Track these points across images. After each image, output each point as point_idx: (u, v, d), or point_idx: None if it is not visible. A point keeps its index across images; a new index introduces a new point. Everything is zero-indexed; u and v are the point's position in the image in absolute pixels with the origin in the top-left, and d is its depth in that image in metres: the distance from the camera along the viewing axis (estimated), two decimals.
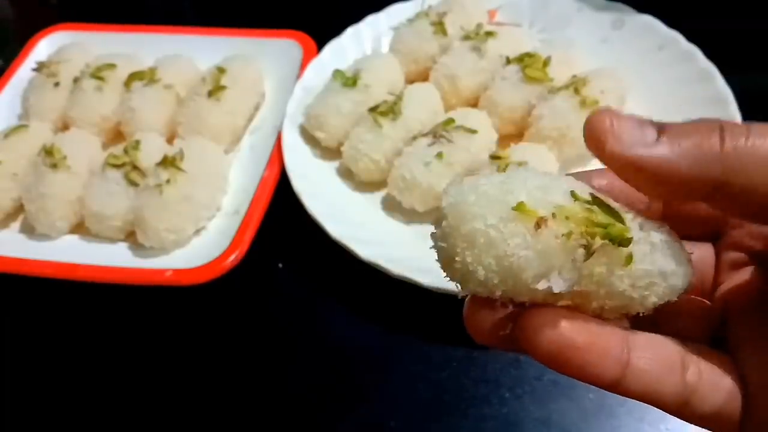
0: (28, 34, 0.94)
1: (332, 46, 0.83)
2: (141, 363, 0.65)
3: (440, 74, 0.76)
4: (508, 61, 0.74)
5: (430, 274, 0.59)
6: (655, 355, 0.26)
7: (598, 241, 0.25)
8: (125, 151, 0.72)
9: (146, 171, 0.71)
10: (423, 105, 0.73)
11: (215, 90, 0.76)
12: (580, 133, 0.73)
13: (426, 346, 0.62)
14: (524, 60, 0.72)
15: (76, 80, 0.82)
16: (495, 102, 0.72)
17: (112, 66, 0.82)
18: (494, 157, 0.65)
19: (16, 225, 0.75)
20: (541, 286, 0.25)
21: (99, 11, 1.08)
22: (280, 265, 0.71)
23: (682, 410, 0.26)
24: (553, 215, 0.25)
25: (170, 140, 0.78)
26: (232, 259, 0.65)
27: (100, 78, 0.81)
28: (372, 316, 0.65)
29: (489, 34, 0.77)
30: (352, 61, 0.80)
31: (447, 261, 0.26)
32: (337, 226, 0.65)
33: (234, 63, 0.81)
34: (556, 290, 0.25)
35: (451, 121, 0.68)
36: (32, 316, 0.71)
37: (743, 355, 0.27)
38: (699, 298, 0.31)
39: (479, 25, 0.78)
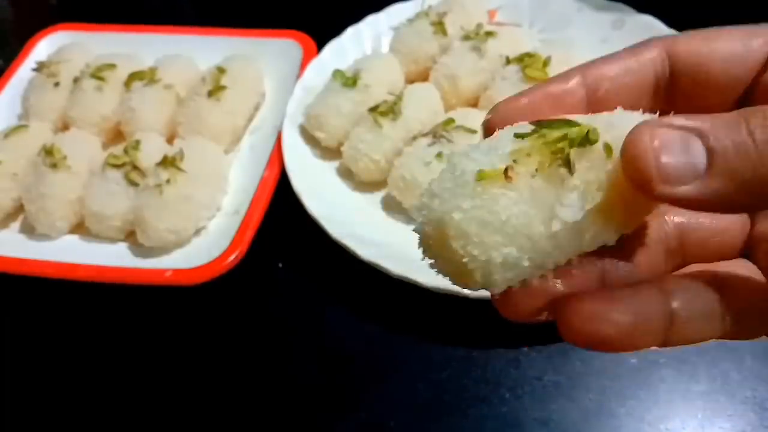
0: (28, 34, 0.94)
1: (332, 46, 0.83)
2: (141, 363, 0.65)
3: (440, 74, 0.76)
4: (508, 61, 0.74)
5: (430, 274, 0.58)
6: (693, 310, 0.26)
7: (571, 152, 0.23)
8: (125, 151, 0.72)
9: (146, 171, 0.71)
10: (423, 105, 0.73)
11: (215, 90, 0.76)
12: None
13: (426, 346, 0.62)
14: (524, 60, 0.72)
15: (76, 80, 0.82)
16: (495, 102, 0.72)
17: (112, 66, 0.82)
18: None
19: (16, 225, 0.75)
20: (556, 226, 0.23)
21: (99, 11, 1.08)
22: (280, 265, 0.71)
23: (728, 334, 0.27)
24: (515, 161, 0.23)
25: (170, 140, 0.78)
26: (232, 259, 0.65)
27: (100, 78, 0.81)
28: (372, 316, 0.65)
29: (489, 34, 0.77)
30: (352, 61, 0.80)
31: (458, 273, 0.24)
32: (337, 226, 0.65)
33: (234, 63, 0.81)
34: (571, 220, 0.23)
35: (451, 121, 0.68)
36: (32, 316, 0.71)
37: None
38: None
39: (479, 25, 0.78)
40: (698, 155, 0.22)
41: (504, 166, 0.23)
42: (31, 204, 0.71)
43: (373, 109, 0.71)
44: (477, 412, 0.57)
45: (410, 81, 0.79)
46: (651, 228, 0.28)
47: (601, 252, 0.26)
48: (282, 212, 0.71)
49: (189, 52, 0.86)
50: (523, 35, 0.81)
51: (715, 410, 0.55)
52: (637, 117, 0.26)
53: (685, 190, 0.22)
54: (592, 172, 0.24)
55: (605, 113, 0.26)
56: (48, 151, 0.72)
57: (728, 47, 0.28)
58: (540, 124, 0.24)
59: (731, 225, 0.29)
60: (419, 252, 0.26)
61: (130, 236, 0.71)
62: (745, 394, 0.56)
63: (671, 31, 0.75)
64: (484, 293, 0.25)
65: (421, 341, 0.62)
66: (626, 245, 0.28)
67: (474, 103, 0.76)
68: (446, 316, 0.62)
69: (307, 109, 0.76)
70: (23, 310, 0.71)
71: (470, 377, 0.59)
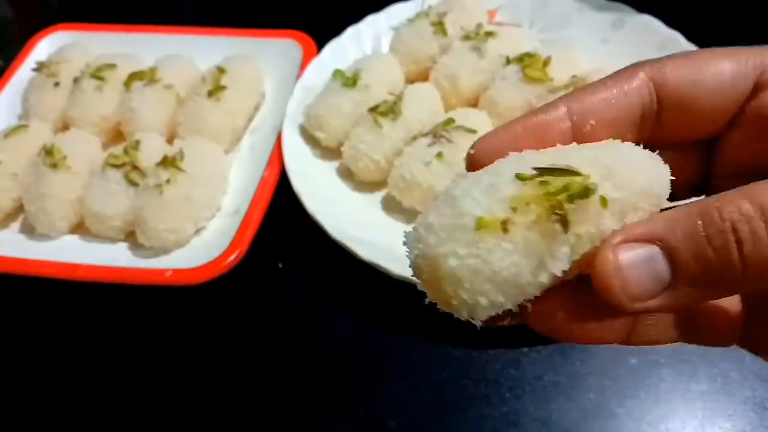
0: (28, 34, 0.94)
1: (332, 46, 0.83)
2: (141, 363, 0.65)
3: (440, 74, 0.76)
4: (508, 61, 0.74)
5: None
6: (655, 319, 0.27)
7: (568, 207, 0.24)
8: (125, 151, 0.72)
9: (146, 171, 0.71)
10: (423, 105, 0.73)
11: (215, 90, 0.76)
12: None
13: (426, 346, 0.62)
14: (524, 60, 0.72)
15: (76, 80, 0.82)
16: (495, 102, 0.72)
17: (112, 66, 0.82)
18: None
19: (16, 225, 0.75)
20: (544, 277, 0.24)
21: (99, 11, 1.08)
22: (280, 265, 0.71)
23: (684, 336, 0.28)
24: (514, 209, 0.24)
25: (170, 140, 0.78)
26: (232, 259, 0.64)
27: (100, 78, 0.81)
28: (372, 316, 0.65)
29: (489, 34, 0.77)
30: (352, 61, 0.80)
31: (448, 306, 0.25)
32: (337, 226, 0.65)
33: (234, 63, 0.81)
34: (558, 273, 0.24)
35: (451, 121, 0.68)
36: (32, 316, 0.71)
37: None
38: None
39: (479, 25, 0.78)
40: (662, 270, 0.24)
41: (502, 218, 0.24)
42: (31, 204, 0.71)
43: (373, 109, 0.71)
44: (477, 412, 0.57)
45: (410, 81, 0.79)
46: None
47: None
48: (282, 212, 0.71)
49: (189, 52, 0.86)
50: (523, 35, 0.81)
51: (715, 410, 0.55)
52: (633, 155, 0.26)
53: (653, 303, 0.24)
54: (585, 226, 0.24)
55: (602, 147, 0.27)
56: (48, 151, 0.72)
57: (716, 76, 0.28)
58: (542, 170, 0.24)
59: None
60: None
61: (130, 236, 0.71)
62: (745, 394, 0.56)
63: (671, 31, 0.75)
64: None
65: (421, 341, 0.62)
66: None
67: (474, 103, 0.76)
68: (446, 316, 0.62)
69: (307, 109, 0.76)
70: (23, 310, 0.71)
71: (470, 377, 0.59)
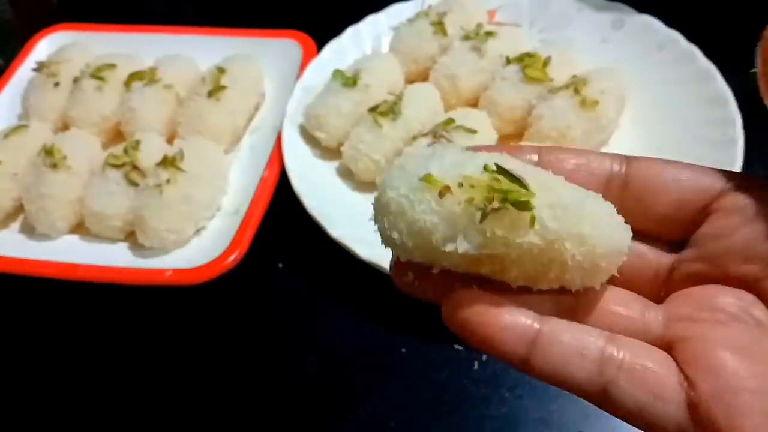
0: (28, 34, 0.94)
1: (332, 46, 0.83)
2: (141, 363, 0.65)
3: (440, 74, 0.76)
4: (508, 61, 0.74)
5: None
6: (567, 338, 0.27)
7: (494, 204, 0.26)
8: (125, 151, 0.72)
9: (146, 171, 0.71)
10: (423, 105, 0.73)
11: (215, 90, 0.76)
12: (580, 133, 0.73)
13: (426, 346, 0.62)
14: (524, 60, 0.72)
15: (76, 80, 0.82)
16: (495, 102, 0.72)
17: (112, 66, 0.82)
18: None
19: (16, 225, 0.75)
20: (449, 248, 0.27)
21: (99, 11, 1.08)
22: (280, 265, 0.71)
23: (602, 402, 0.27)
24: (460, 184, 0.27)
25: (170, 140, 0.78)
26: (232, 259, 0.64)
27: (100, 78, 0.81)
28: (372, 316, 0.65)
29: (489, 34, 0.77)
30: (352, 61, 0.80)
31: (378, 228, 0.29)
32: (337, 226, 0.65)
33: (234, 63, 0.81)
34: (461, 251, 0.27)
35: (451, 121, 0.68)
36: (32, 316, 0.71)
37: (688, 356, 0.26)
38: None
39: (479, 25, 0.78)
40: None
41: (445, 185, 0.27)
42: (31, 204, 0.71)
43: (373, 109, 0.71)
44: (477, 412, 0.57)
45: (410, 81, 0.79)
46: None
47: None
48: (282, 212, 0.71)
49: (189, 52, 0.86)
50: (523, 35, 0.81)
51: None
52: (593, 204, 0.28)
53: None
54: (503, 231, 0.26)
55: (571, 186, 0.28)
56: (48, 151, 0.72)
57: (676, 183, 0.30)
58: (503, 170, 0.27)
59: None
60: None
61: (130, 236, 0.71)
62: None
63: (671, 31, 0.75)
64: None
65: (421, 341, 0.62)
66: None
67: (474, 103, 0.76)
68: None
69: (307, 109, 0.76)
70: (23, 310, 0.71)
71: (470, 377, 0.59)
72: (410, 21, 0.82)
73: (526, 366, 0.27)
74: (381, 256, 0.61)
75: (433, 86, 0.75)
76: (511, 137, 0.72)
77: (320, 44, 0.83)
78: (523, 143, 0.34)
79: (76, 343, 0.68)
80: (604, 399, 0.26)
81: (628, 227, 0.28)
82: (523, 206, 0.26)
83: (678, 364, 0.26)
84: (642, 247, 0.31)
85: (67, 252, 0.70)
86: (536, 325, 0.27)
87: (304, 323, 0.67)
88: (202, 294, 0.65)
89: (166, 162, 0.69)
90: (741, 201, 0.28)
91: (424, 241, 0.27)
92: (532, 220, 0.26)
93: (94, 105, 0.80)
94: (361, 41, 0.85)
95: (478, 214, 0.26)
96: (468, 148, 0.30)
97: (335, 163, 0.76)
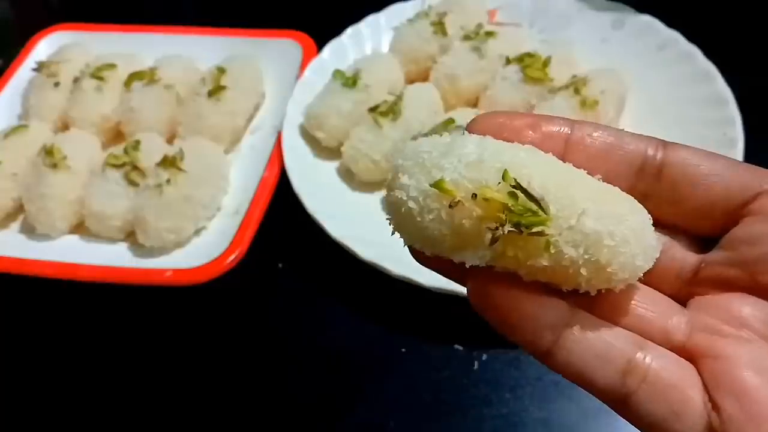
0: (28, 34, 0.94)
1: (332, 46, 0.83)
2: (141, 363, 0.65)
3: (440, 74, 0.76)
4: (508, 61, 0.74)
5: (431, 275, 0.58)
6: (594, 339, 0.26)
7: (505, 228, 0.24)
8: (125, 151, 0.72)
9: (146, 171, 0.71)
10: (423, 105, 0.73)
11: (215, 90, 0.76)
12: None
13: (426, 346, 0.62)
14: (524, 60, 0.72)
15: (76, 80, 0.82)
16: (495, 102, 0.72)
17: (112, 66, 0.82)
18: None
19: (16, 225, 0.75)
20: (457, 258, 0.26)
21: (99, 11, 1.08)
22: (280, 265, 0.71)
23: (620, 409, 0.26)
24: (474, 196, 0.25)
25: (170, 140, 0.78)
26: (232, 259, 0.65)
27: (100, 78, 0.81)
28: (372, 316, 0.65)
29: (489, 34, 0.77)
30: (352, 61, 0.80)
31: (388, 221, 0.28)
32: (337, 226, 0.65)
33: (234, 63, 0.81)
34: (468, 265, 0.25)
35: (451, 121, 0.68)
36: (32, 316, 0.71)
37: (714, 376, 0.25)
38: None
39: (479, 25, 0.78)
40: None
41: (457, 195, 0.25)
42: (31, 204, 0.71)
43: (373, 109, 0.71)
44: (477, 412, 0.57)
45: (410, 81, 0.79)
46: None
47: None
48: (282, 212, 0.71)
49: (189, 52, 0.86)
50: (523, 35, 0.81)
51: None
52: (615, 221, 0.25)
53: None
54: (516, 251, 0.25)
55: (605, 192, 0.26)
56: (48, 151, 0.72)
57: (714, 177, 0.28)
58: (521, 188, 0.25)
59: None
60: None
61: (130, 236, 0.71)
62: None
63: (671, 31, 0.75)
64: None
65: (421, 341, 0.62)
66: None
67: (474, 103, 0.76)
68: (446, 316, 0.62)
69: (307, 109, 0.76)
70: (23, 310, 0.71)
71: (470, 377, 0.59)
72: (410, 21, 0.82)
73: (548, 359, 0.26)
74: (381, 256, 0.61)
75: (433, 86, 0.75)
76: None
77: (320, 44, 0.83)
78: (556, 115, 0.30)
79: (76, 343, 0.68)
80: (623, 407, 0.26)
81: (658, 244, 0.26)
82: (537, 234, 0.24)
83: (703, 382, 0.25)
84: (668, 242, 0.29)
85: (67, 252, 0.70)
86: (565, 319, 0.26)
87: (304, 323, 0.67)
88: (202, 294, 0.65)
89: (166, 162, 0.69)
90: None
91: (432, 246, 0.26)
92: (547, 245, 0.25)
93: (94, 105, 0.80)
94: (361, 41, 0.85)
95: (489, 236, 0.25)
96: (485, 115, 0.28)
97: (335, 163, 0.76)
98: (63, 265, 0.68)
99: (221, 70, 0.79)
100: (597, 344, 0.26)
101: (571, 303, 0.27)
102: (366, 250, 0.62)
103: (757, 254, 0.27)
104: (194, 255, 0.67)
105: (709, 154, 0.28)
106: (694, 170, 0.28)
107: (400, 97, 0.72)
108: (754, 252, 0.27)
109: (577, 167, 0.26)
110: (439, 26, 0.80)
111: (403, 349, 0.62)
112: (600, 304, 0.28)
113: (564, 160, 0.27)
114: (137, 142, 0.72)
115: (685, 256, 0.29)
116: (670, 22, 0.75)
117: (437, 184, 0.25)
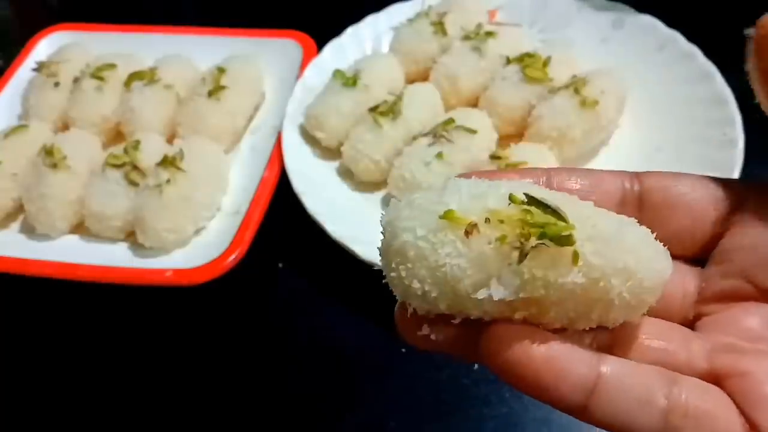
0: (28, 34, 0.94)
1: (332, 46, 0.83)
2: (141, 363, 0.65)
3: (440, 74, 0.76)
4: (508, 61, 0.74)
5: None
6: (631, 383, 0.24)
7: (531, 242, 0.23)
8: (125, 151, 0.72)
9: (146, 171, 0.71)
10: (423, 105, 0.73)
11: (215, 90, 0.76)
12: (580, 133, 0.73)
13: None
14: (524, 60, 0.72)
15: (76, 80, 0.82)
16: (495, 102, 0.72)
17: (112, 66, 0.82)
18: (494, 157, 0.65)
19: (16, 225, 0.75)
20: (481, 295, 0.24)
21: (99, 11, 1.08)
22: (280, 265, 0.71)
23: None
24: (487, 220, 0.24)
25: (170, 140, 0.78)
26: (232, 259, 0.64)
27: (100, 78, 0.81)
28: (372, 316, 0.65)
29: (489, 34, 0.77)
30: (352, 61, 0.80)
31: (389, 279, 0.26)
32: (337, 226, 0.65)
33: (234, 63, 0.81)
34: (496, 298, 0.23)
35: (451, 121, 0.68)
36: (32, 316, 0.71)
37: (743, 393, 0.25)
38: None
39: (479, 25, 0.78)
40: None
41: (470, 222, 0.24)
42: (31, 204, 0.71)
43: (373, 109, 0.71)
44: (477, 412, 0.57)
45: (410, 81, 0.79)
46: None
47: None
48: (282, 212, 0.71)
49: (189, 52, 0.86)
50: (523, 35, 0.81)
51: None
52: (634, 234, 0.25)
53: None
54: (544, 270, 0.23)
55: (607, 214, 0.26)
56: (48, 151, 0.72)
57: (691, 195, 0.29)
58: (534, 201, 0.24)
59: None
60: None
61: (130, 236, 0.71)
62: None
63: (671, 31, 0.75)
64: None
65: None
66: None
67: (474, 103, 0.76)
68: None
69: (307, 109, 0.76)
70: (23, 310, 0.71)
71: (470, 377, 0.59)
72: (410, 21, 0.82)
73: (584, 414, 0.25)
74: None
75: (433, 86, 0.75)
76: (511, 137, 0.71)
77: (320, 44, 0.83)
78: (529, 167, 0.31)
79: (76, 343, 0.68)
80: None
81: (667, 252, 0.26)
82: (565, 241, 0.23)
83: (735, 403, 0.25)
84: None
85: (67, 252, 0.70)
86: (596, 367, 0.24)
87: (304, 323, 0.67)
88: (202, 294, 0.65)
89: (166, 162, 0.69)
90: (763, 210, 0.27)
91: (451, 289, 0.24)
92: (576, 256, 0.23)
93: (94, 105, 0.80)
94: (361, 41, 0.85)
95: (515, 254, 0.23)
96: (460, 175, 0.27)
97: (335, 163, 0.76)
98: (63, 265, 0.67)
99: (221, 70, 0.79)
100: (636, 388, 0.24)
101: (593, 349, 0.26)
102: (366, 250, 0.62)
103: (750, 259, 0.27)
104: (194, 255, 0.67)
105: (681, 175, 0.29)
106: (670, 193, 0.29)
107: (400, 97, 0.72)
108: (746, 258, 0.27)
109: None
110: (439, 26, 0.80)
111: (403, 349, 0.62)
112: (620, 343, 0.27)
113: None
114: (137, 142, 0.72)
115: (684, 278, 0.29)
116: (670, 22, 0.75)
117: (447, 215, 0.24)
